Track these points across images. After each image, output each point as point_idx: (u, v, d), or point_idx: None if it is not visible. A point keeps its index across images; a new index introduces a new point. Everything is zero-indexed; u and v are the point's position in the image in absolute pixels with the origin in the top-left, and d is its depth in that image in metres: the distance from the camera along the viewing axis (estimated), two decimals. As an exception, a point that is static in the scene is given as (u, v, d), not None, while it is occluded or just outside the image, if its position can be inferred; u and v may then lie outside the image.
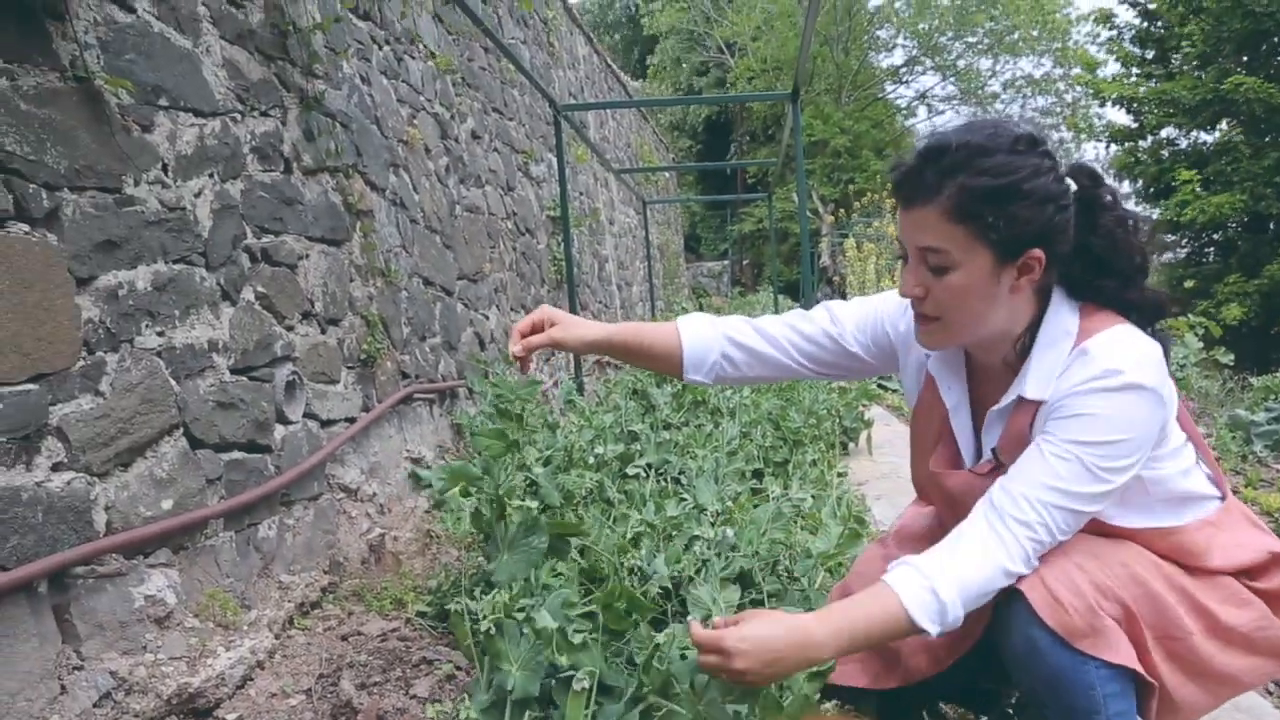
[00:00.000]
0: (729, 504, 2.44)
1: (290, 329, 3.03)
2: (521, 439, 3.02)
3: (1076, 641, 1.31)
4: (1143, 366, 1.34)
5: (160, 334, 2.35)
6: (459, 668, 2.25)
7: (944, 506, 1.64)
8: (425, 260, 4.48)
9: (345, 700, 2.20)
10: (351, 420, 3.44)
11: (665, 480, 3.19)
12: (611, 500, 2.56)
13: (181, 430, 2.40)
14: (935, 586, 1.31)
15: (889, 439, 5.59)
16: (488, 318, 5.44)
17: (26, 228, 1.93)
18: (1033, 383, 1.40)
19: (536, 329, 1.63)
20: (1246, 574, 1.44)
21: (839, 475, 4.53)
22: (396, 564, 3.30)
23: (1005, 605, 1.37)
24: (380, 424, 3.72)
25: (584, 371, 6.69)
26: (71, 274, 2.04)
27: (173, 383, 2.37)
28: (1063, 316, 1.42)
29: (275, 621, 2.51)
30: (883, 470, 4.74)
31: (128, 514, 2.15)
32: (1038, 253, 1.34)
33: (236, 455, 2.65)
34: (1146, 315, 1.43)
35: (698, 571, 2.09)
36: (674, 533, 2.30)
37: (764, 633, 1.31)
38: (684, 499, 2.57)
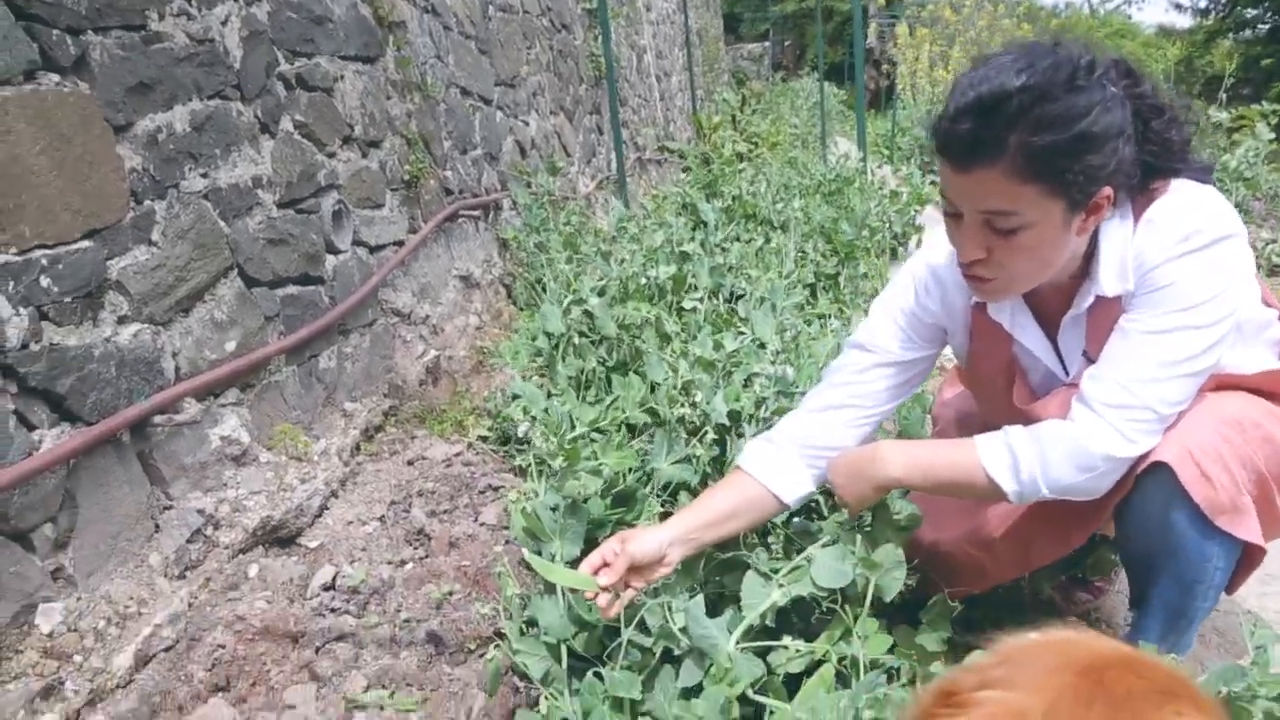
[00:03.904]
0: (787, 339, 2.42)
1: (331, 156, 2.95)
2: (575, 270, 3.01)
3: (1216, 518, 1.32)
4: (1217, 216, 1.27)
5: (204, 175, 2.30)
6: (521, 491, 2.33)
7: None
8: (461, 69, 4.28)
9: (418, 528, 2.31)
10: (399, 244, 3.42)
11: (719, 301, 3.17)
12: (669, 334, 2.55)
13: (236, 271, 2.40)
14: (1013, 444, 1.31)
15: (940, 241, 5.47)
16: (527, 124, 5.26)
17: (57, 78, 1.85)
18: (1107, 278, 1.34)
19: (606, 561, 1.49)
20: None
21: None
22: (453, 384, 3.38)
23: (1147, 474, 1.35)
24: (427, 244, 3.69)
25: (626, 172, 6.51)
26: (109, 123, 1.97)
27: (222, 224, 2.34)
28: (1120, 215, 1.34)
29: (344, 450, 2.61)
30: (932, 277, 4.67)
31: (194, 359, 2.19)
32: (1107, 191, 1.25)
33: (291, 290, 2.66)
34: (1196, 178, 1.34)
35: (757, 406, 2.10)
36: (732, 369, 2.30)
37: (847, 452, 1.47)
38: (742, 332, 2.55)
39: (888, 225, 4.74)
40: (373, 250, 3.21)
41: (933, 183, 7.65)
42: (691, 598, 1.54)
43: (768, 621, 1.52)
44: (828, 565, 1.50)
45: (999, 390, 1.60)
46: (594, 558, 1.49)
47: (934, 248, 1.57)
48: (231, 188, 2.39)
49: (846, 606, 1.48)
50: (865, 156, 7.17)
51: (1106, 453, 1.30)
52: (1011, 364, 1.55)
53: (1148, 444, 1.32)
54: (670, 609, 1.50)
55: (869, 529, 1.60)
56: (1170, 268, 1.28)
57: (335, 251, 2.93)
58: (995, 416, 1.69)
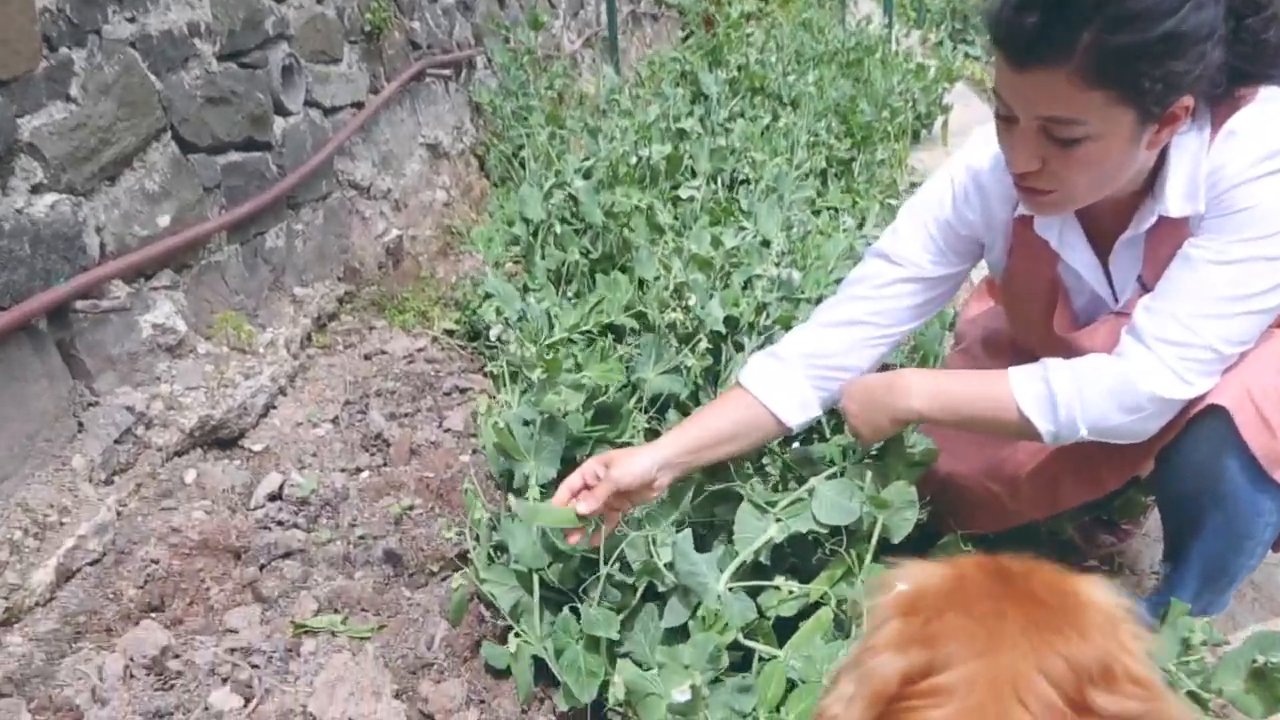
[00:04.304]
0: (794, 237, 2.34)
1: (281, 1, 2.79)
2: (558, 148, 2.89)
3: (1273, 470, 1.29)
4: None
5: (131, 20, 2.16)
6: (493, 398, 2.29)
7: None
8: (432, -102, 4.03)
9: (376, 432, 2.27)
10: (359, 105, 3.28)
11: (719, 188, 3.07)
12: (662, 225, 2.46)
13: (170, 134, 2.28)
14: (1050, 378, 1.27)
15: (967, 124, 5.33)
16: (507, -33, 5.01)
17: (-52, -106, 1.69)
18: (1174, 197, 1.27)
19: (587, 484, 1.43)
20: None
21: (911, 170, 4.39)
22: (417, 268, 3.30)
23: (1200, 417, 1.31)
24: (390, 107, 3.54)
25: (618, 28, 6.26)
26: (13, -49, 1.82)
27: (153, 78, 2.21)
28: (1196, 122, 1.26)
29: (293, 340, 2.55)
30: (957, 164, 4.58)
31: (122, 235, 2.10)
32: (1187, 100, 1.16)
33: (234, 157, 2.55)
34: None
35: (758, 312, 2.04)
36: (731, 270, 2.23)
37: (872, 375, 1.44)
38: (744, 227, 2.46)
39: (911, 105, 4.59)
40: (328, 112, 3.08)
41: (966, 55, 7.42)
42: (679, 530, 1.51)
43: (761, 559, 1.50)
44: (831, 501, 1.47)
45: (1037, 313, 1.55)
46: (574, 479, 1.45)
47: (976, 147, 1.48)
48: (164, 35, 2.25)
49: (850, 548, 1.46)
50: (890, 21, 6.93)
51: (1157, 393, 1.26)
52: (1054, 285, 1.50)
53: (1204, 386, 1.28)
54: (655, 542, 1.48)
55: (878, 459, 1.58)
56: (1250, 189, 1.21)
57: (285, 113, 2.81)
58: (1030, 341, 1.65)
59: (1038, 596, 0.73)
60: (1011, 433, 1.35)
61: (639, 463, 1.45)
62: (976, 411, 1.34)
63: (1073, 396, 1.27)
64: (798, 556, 1.59)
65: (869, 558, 1.43)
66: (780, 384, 1.53)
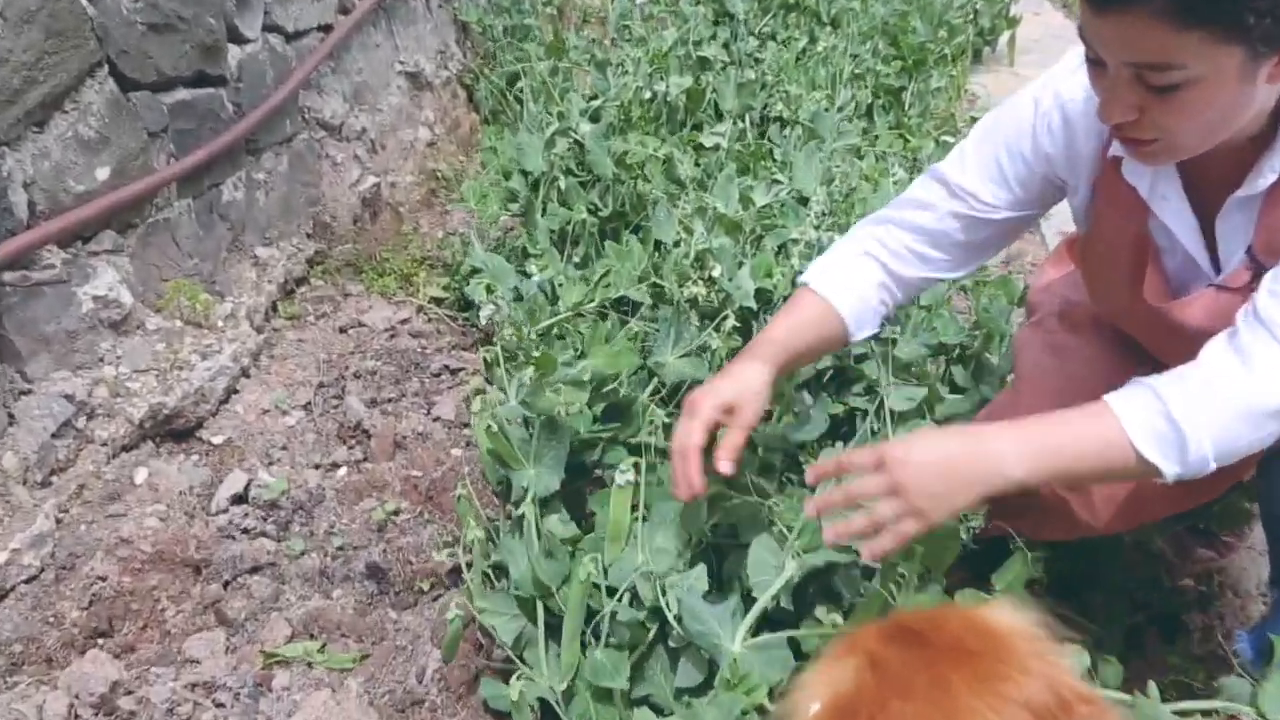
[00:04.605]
0: (836, 193, 2.28)
1: (234, -94, 2.72)
2: (561, 86, 2.83)
3: None
4: None
5: (58, -67, 2.10)
6: (484, 389, 2.26)
7: (1166, 345, 1.50)
8: None
9: (355, 421, 2.25)
10: (326, 29, 3.21)
11: (748, 127, 2.99)
12: (683, 180, 2.40)
13: (106, 68, 2.23)
14: (1173, 410, 1.20)
15: (1038, 38, 5.23)
16: None
17: None
18: None
19: (710, 429, 1.44)
20: None
21: (971, 99, 4.31)
22: (397, 221, 3.26)
23: None
24: (364, 29, 3.47)
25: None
26: None
27: (84, 3, 2.16)
28: None
29: (256, 311, 2.52)
30: (1028, 88, 4.52)
31: (54, 192, 2.05)
32: None
33: (182, 95, 2.49)
34: None
35: (793, 284, 2.00)
36: (763, 233, 2.17)
37: (933, 439, 1.27)
38: (777, 180, 2.40)
39: (971, 19, 4.49)
40: (290, 38, 3.01)
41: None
42: (693, 563, 1.50)
43: (782, 603, 1.47)
44: None
45: (1121, 278, 1.49)
46: (696, 434, 1.43)
47: (1069, 72, 1.43)
48: (97, -49, 2.19)
49: (887, 579, 1.43)
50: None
51: None
52: (1142, 242, 1.44)
53: None
54: (663, 588, 1.46)
55: None
56: None
57: (241, 40, 2.75)
58: (1112, 312, 1.61)
59: (965, 647, 0.76)
60: (1128, 477, 1.29)
61: (758, 395, 1.47)
62: (1087, 467, 1.25)
63: (1202, 431, 1.21)
64: (835, 583, 1.56)
65: (909, 589, 1.40)
66: (859, 299, 1.57)
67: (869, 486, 1.24)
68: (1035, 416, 1.27)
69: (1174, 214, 1.39)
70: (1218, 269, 1.40)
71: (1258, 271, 1.31)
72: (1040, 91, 1.47)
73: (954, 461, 1.23)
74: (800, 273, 1.93)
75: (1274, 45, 1.11)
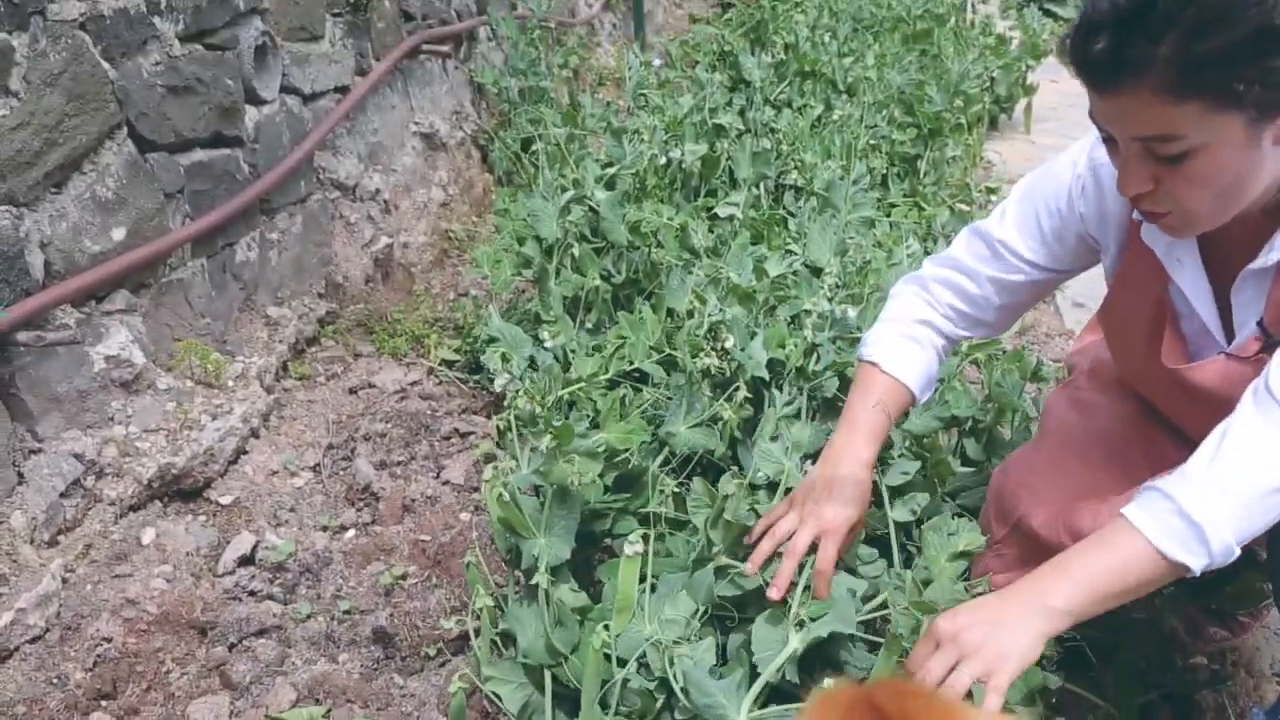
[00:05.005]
0: (850, 264, 2.32)
1: (255, -29, 2.80)
2: (576, 153, 2.88)
3: None
4: None
5: (82, -2, 2.17)
6: (496, 455, 2.29)
7: (1182, 407, 1.55)
8: None
9: (364, 483, 2.27)
10: (343, 90, 3.28)
11: (763, 194, 3.04)
12: (697, 249, 2.45)
13: (125, 130, 2.29)
14: (1185, 509, 1.23)
15: (1055, 106, 5.30)
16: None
17: None
18: None
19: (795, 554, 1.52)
20: None
21: (987, 167, 4.36)
22: (409, 281, 3.31)
23: None
24: (380, 90, 3.55)
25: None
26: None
27: (106, 66, 2.22)
28: None
29: (267, 371, 2.55)
30: (1044, 156, 4.56)
31: (71, 252, 2.10)
32: None
33: (199, 156, 2.55)
34: None
35: (807, 356, 2.03)
36: (776, 303, 2.21)
37: (972, 602, 1.32)
38: (791, 251, 2.45)
39: (988, 87, 4.56)
40: (307, 100, 3.08)
41: (1054, 16, 7.37)
42: (702, 632, 1.52)
43: (787, 676, 1.49)
44: (846, 607, 1.49)
45: (1140, 339, 1.54)
46: (803, 540, 1.52)
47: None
48: (119, 14, 2.26)
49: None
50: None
51: None
52: (1161, 306, 1.49)
53: None
54: (670, 660, 1.48)
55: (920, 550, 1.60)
56: None
57: (258, 102, 2.81)
58: (1132, 375, 1.66)
59: None
60: (1165, 581, 1.31)
61: (847, 522, 1.55)
62: (1127, 581, 1.28)
63: (1217, 518, 1.23)
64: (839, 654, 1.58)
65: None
66: (925, 368, 1.66)
67: (938, 666, 1.25)
68: (1062, 553, 1.31)
69: (1189, 279, 1.43)
70: (1230, 337, 1.44)
71: (1267, 343, 1.35)
72: (1078, 154, 1.54)
73: (998, 609, 1.27)
74: (816, 345, 1.98)
75: (1271, 110, 1.16)
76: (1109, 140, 1.27)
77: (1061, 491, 1.63)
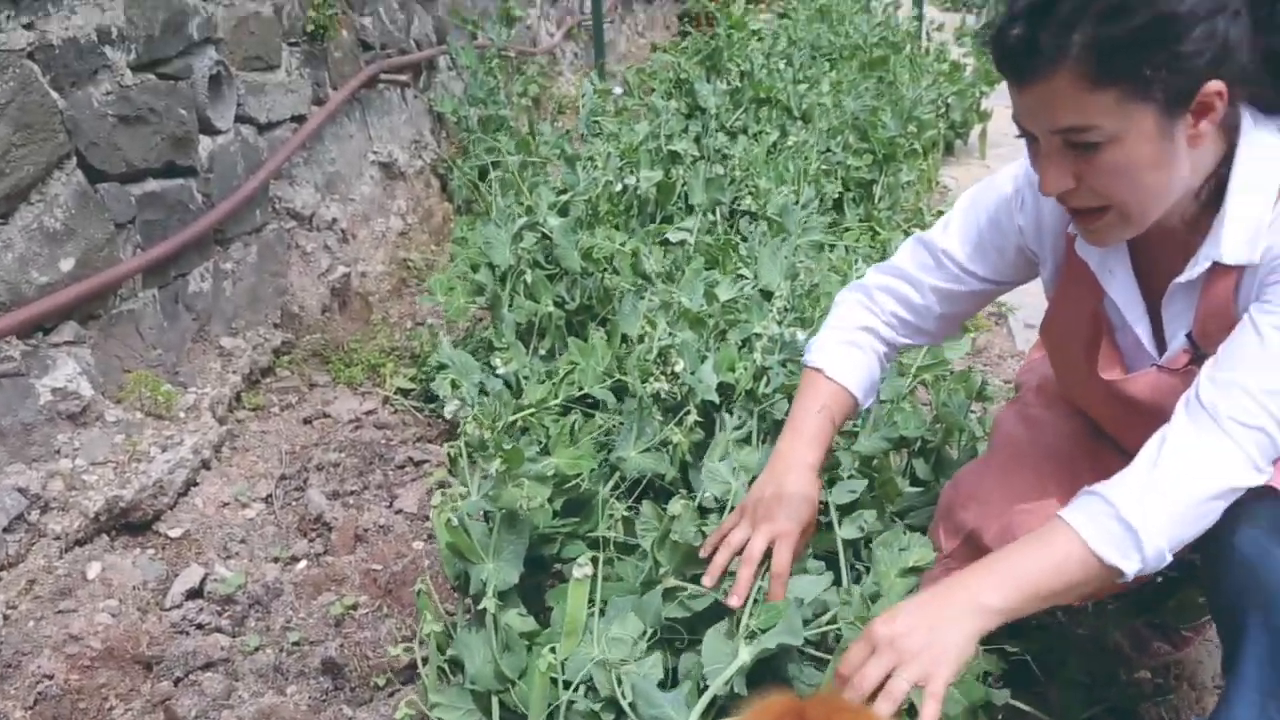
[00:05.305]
0: (800, 288, 2.35)
1: None
2: (531, 180, 2.91)
3: None
4: None
5: (29, 26, 2.17)
6: (447, 483, 2.29)
7: (1120, 419, 1.58)
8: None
9: (316, 514, 2.27)
10: (299, 120, 3.30)
11: (718, 219, 3.08)
12: (649, 274, 2.47)
13: (75, 160, 2.30)
14: (1122, 513, 1.25)
15: (1009, 131, 5.35)
16: (475, -47, 5.07)
17: None
18: (1231, 242, 1.29)
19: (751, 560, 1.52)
20: None
21: (942, 192, 4.42)
22: (367, 310, 3.31)
23: (1251, 500, 1.30)
24: (337, 120, 3.57)
25: (604, 15, 6.29)
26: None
27: (55, 95, 2.23)
28: (1262, 144, 1.30)
29: (219, 402, 2.55)
30: (996, 181, 4.64)
31: (16, 283, 2.10)
32: (1215, 85, 1.20)
33: (151, 186, 2.56)
34: None
35: (756, 379, 2.05)
36: (727, 328, 2.23)
37: (908, 604, 1.31)
38: (742, 275, 2.48)
39: (943, 113, 4.63)
40: (263, 129, 3.10)
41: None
42: (650, 648, 1.53)
43: (736, 689, 1.50)
44: (794, 619, 1.49)
45: (1078, 352, 1.57)
46: (758, 546, 1.52)
47: None
48: (68, 44, 2.27)
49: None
50: (921, 12, 6.99)
51: (1234, 484, 1.26)
52: (1097, 319, 1.52)
53: (1271, 472, 1.29)
54: (618, 678, 1.48)
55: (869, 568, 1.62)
56: None
57: (212, 131, 2.82)
58: (1072, 389, 1.69)
59: None
60: (1098, 584, 1.33)
61: (800, 523, 1.55)
62: (1058, 582, 1.29)
63: (1152, 525, 1.26)
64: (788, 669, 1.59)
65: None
66: (867, 373, 1.68)
67: (874, 671, 1.24)
68: (997, 551, 1.33)
69: (1121, 291, 1.47)
70: (1162, 350, 1.47)
71: (1195, 356, 1.39)
72: (1019, 168, 1.58)
73: (934, 610, 1.27)
74: (766, 368, 2.00)
75: (1181, 103, 1.21)
76: (1029, 139, 1.32)
77: (1011, 504, 1.65)
